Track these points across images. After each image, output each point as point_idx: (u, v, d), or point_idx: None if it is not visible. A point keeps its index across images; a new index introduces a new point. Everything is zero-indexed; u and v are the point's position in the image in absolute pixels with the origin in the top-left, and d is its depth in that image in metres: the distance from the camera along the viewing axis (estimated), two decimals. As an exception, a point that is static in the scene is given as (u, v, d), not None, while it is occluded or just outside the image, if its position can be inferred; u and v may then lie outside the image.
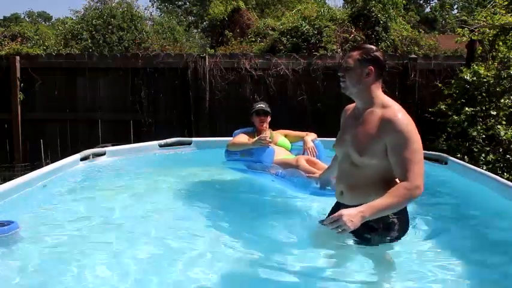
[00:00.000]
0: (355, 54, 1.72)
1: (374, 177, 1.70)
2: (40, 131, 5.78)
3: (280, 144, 3.42)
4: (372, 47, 1.76)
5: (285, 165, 3.12)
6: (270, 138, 3.20)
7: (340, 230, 1.49)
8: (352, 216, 1.50)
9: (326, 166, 2.73)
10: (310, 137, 3.39)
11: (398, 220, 1.71)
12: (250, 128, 3.59)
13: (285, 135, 3.56)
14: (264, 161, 3.23)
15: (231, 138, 5.03)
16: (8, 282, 2.07)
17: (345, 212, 1.50)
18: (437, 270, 2.15)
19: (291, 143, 3.52)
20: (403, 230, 1.76)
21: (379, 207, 1.54)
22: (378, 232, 1.69)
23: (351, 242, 1.87)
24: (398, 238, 1.76)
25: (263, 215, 2.79)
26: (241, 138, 3.47)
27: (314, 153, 3.25)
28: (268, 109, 3.50)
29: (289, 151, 3.44)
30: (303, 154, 3.27)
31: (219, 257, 2.35)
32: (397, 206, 1.59)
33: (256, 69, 5.58)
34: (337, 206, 1.85)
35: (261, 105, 3.54)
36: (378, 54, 1.71)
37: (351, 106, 1.88)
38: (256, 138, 3.23)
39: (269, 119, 3.51)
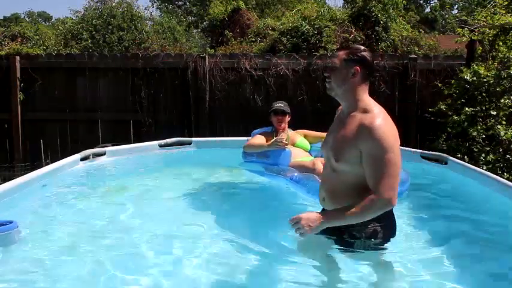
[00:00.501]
0: (342, 54, 1.65)
1: (352, 184, 1.61)
2: (40, 131, 5.78)
3: (299, 145, 3.32)
4: (360, 47, 1.68)
5: (301, 168, 3.03)
6: (286, 140, 3.11)
7: (298, 233, 1.50)
8: (311, 221, 1.48)
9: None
10: None
11: (383, 228, 1.64)
12: (269, 128, 3.47)
13: (304, 136, 3.45)
14: (280, 164, 3.14)
15: (232, 139, 5.05)
16: (7, 282, 2.07)
17: (304, 216, 1.50)
18: (437, 269, 2.15)
19: (310, 143, 3.40)
20: (388, 236, 1.68)
21: (340, 217, 1.51)
22: (360, 239, 1.64)
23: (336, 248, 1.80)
24: (382, 244, 1.68)
25: (267, 219, 2.76)
26: (258, 139, 3.37)
27: None
28: (287, 108, 3.39)
29: (308, 152, 3.33)
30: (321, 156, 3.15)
31: (219, 258, 2.34)
32: (361, 217, 1.53)
33: (256, 69, 5.59)
34: (322, 212, 1.77)
35: (279, 104, 3.43)
36: (365, 54, 1.63)
37: (341, 107, 1.83)
38: (273, 140, 3.15)
39: (288, 118, 3.40)
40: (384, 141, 1.48)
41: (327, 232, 1.66)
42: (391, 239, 1.70)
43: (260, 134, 3.44)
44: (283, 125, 3.36)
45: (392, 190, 1.48)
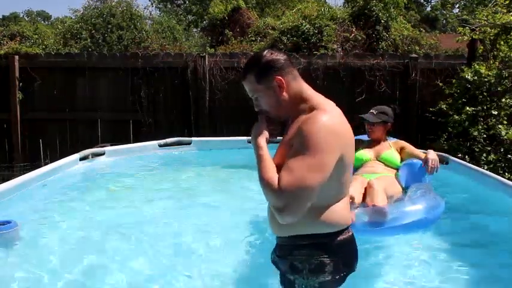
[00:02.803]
0: (251, 76, 1.30)
1: None
2: (39, 130, 5.76)
3: (384, 158, 2.85)
4: (255, 56, 1.34)
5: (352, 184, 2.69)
6: None
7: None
8: (251, 137, 1.29)
9: (376, 194, 2.39)
10: (432, 155, 2.73)
11: (333, 261, 1.28)
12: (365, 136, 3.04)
13: (400, 149, 2.94)
14: None
15: (231, 138, 5.02)
16: (6, 281, 2.06)
17: (255, 125, 1.31)
18: (438, 268, 2.14)
19: (405, 159, 2.87)
20: (341, 272, 1.30)
21: (257, 159, 1.24)
22: (302, 274, 1.28)
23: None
24: (333, 284, 1.30)
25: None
26: None
27: (434, 169, 2.64)
28: (379, 117, 2.91)
29: (395, 168, 2.83)
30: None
31: (218, 258, 2.34)
32: (259, 180, 1.21)
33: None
34: None
35: (372, 110, 2.99)
36: (267, 57, 1.29)
37: None
38: None
39: (382, 128, 2.92)
40: (314, 139, 1.16)
41: (274, 259, 1.41)
42: (347, 275, 1.33)
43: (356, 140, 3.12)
44: (375, 135, 2.93)
45: (293, 198, 1.14)
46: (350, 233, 1.33)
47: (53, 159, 4.22)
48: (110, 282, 2.09)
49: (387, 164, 2.83)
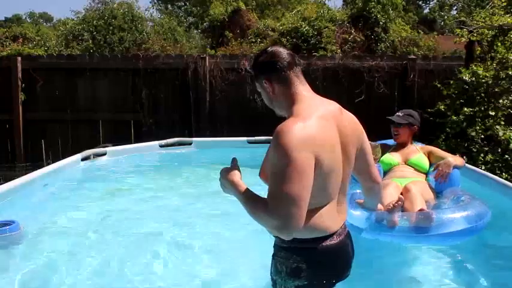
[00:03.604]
0: (254, 71, 1.37)
1: None
2: (41, 131, 5.80)
3: (413, 162, 2.78)
4: (260, 52, 1.38)
5: (383, 189, 2.56)
6: (374, 154, 2.53)
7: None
8: (222, 182, 1.29)
9: (416, 198, 2.32)
10: (456, 160, 2.68)
11: (310, 267, 1.26)
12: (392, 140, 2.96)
13: (429, 153, 2.87)
14: None
15: (232, 139, 5.05)
16: (9, 281, 2.09)
17: (222, 171, 1.30)
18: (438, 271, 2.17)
19: (432, 163, 2.80)
20: (319, 278, 1.28)
21: (240, 199, 1.23)
22: (281, 275, 1.29)
23: None
24: (309, 286, 1.28)
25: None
26: None
27: (442, 179, 2.58)
28: (405, 119, 2.86)
29: (425, 173, 2.76)
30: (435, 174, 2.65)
31: (217, 258, 2.37)
32: (253, 217, 1.20)
33: (256, 69, 5.61)
34: None
35: (398, 113, 2.93)
36: (262, 58, 1.32)
37: None
38: None
39: (408, 131, 2.86)
40: (287, 150, 1.13)
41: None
42: (335, 282, 1.31)
43: (380, 144, 2.92)
44: (400, 138, 2.87)
45: (285, 212, 1.12)
46: (335, 241, 1.29)
47: (55, 160, 4.26)
48: (112, 281, 2.12)
49: (416, 168, 2.75)
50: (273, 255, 1.35)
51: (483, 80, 4.55)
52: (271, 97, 1.33)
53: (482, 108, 4.54)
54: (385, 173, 2.77)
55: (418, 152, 2.85)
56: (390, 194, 2.39)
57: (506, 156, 4.31)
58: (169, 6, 17.06)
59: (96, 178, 3.91)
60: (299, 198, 1.13)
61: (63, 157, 4.16)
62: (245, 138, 4.81)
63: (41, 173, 3.45)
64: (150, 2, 16.14)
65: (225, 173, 1.29)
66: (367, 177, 1.48)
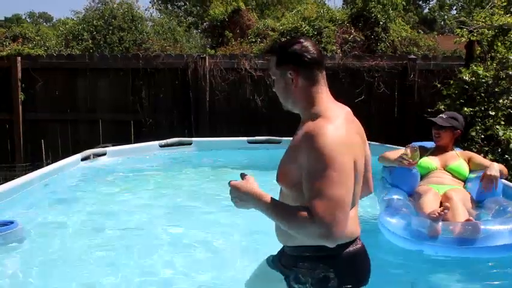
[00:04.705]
0: (274, 56, 1.27)
1: None
2: (41, 131, 5.80)
3: (452, 168, 2.65)
4: (291, 40, 1.29)
5: (416, 195, 2.49)
6: (412, 158, 2.50)
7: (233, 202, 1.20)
8: (238, 197, 1.18)
9: (459, 207, 2.23)
10: (503, 168, 2.57)
11: (338, 276, 1.21)
12: (431, 143, 2.85)
13: (469, 159, 2.72)
14: (400, 186, 2.56)
15: (232, 139, 5.04)
16: (9, 281, 2.09)
17: (235, 185, 1.18)
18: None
19: (471, 170, 2.66)
20: (344, 286, 1.23)
21: (270, 211, 1.14)
22: (306, 286, 1.23)
23: None
24: None
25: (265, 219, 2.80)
26: (396, 152, 2.73)
27: (490, 187, 2.44)
28: (449, 122, 2.69)
29: (463, 180, 2.62)
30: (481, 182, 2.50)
31: (215, 258, 2.37)
32: (288, 229, 1.15)
33: (256, 69, 5.61)
34: None
35: (442, 115, 2.80)
36: (297, 47, 1.23)
37: None
38: (399, 155, 2.57)
39: (451, 135, 2.71)
40: (329, 153, 1.09)
41: (280, 266, 1.34)
42: None
43: (419, 146, 2.75)
44: (441, 142, 2.73)
45: (333, 217, 1.07)
46: (359, 245, 1.26)
47: (55, 160, 4.26)
48: (112, 282, 2.12)
49: (455, 175, 2.62)
50: (289, 266, 1.27)
51: (483, 80, 4.55)
52: (292, 90, 1.24)
53: (483, 108, 4.54)
54: (421, 178, 2.64)
55: (458, 158, 2.69)
56: (430, 201, 2.27)
57: (507, 156, 4.30)
58: (169, 6, 17.06)
59: (96, 178, 3.91)
60: (344, 203, 1.09)
61: (63, 157, 4.16)
62: (245, 138, 4.81)
63: (41, 173, 3.45)
64: (150, 2, 16.13)
65: (240, 187, 1.18)
66: (366, 183, 1.39)
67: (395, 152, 2.70)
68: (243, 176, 1.23)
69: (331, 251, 1.19)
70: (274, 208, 1.15)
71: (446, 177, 2.60)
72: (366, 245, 1.30)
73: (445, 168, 2.65)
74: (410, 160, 2.50)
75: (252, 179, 1.20)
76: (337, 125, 1.17)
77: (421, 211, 2.27)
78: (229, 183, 1.19)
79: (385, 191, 2.57)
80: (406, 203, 2.40)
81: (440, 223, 2.03)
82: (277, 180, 1.24)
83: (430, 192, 2.39)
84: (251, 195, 1.17)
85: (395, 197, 2.38)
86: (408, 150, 2.56)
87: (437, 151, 2.75)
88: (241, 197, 1.19)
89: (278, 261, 1.36)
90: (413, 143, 2.84)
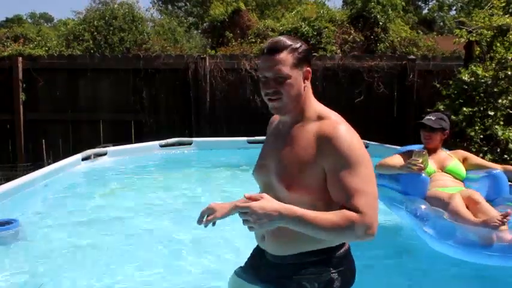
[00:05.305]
0: (287, 56, 1.15)
1: None
2: (42, 131, 5.83)
3: (450, 170, 2.60)
4: (296, 38, 1.23)
5: (435, 200, 2.39)
6: (423, 163, 2.42)
7: (246, 225, 1.09)
8: (265, 216, 1.06)
9: (491, 208, 2.19)
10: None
11: (340, 275, 1.21)
12: (421, 145, 2.75)
13: (463, 159, 2.68)
14: (411, 193, 2.48)
15: (232, 139, 5.06)
16: (9, 279, 2.11)
17: (256, 205, 1.06)
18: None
19: (467, 170, 2.63)
20: (347, 284, 1.24)
21: (305, 221, 1.07)
22: None
23: None
24: None
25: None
26: (395, 158, 2.65)
27: None
28: (439, 123, 2.62)
29: (462, 181, 2.59)
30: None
31: (214, 258, 2.38)
32: (327, 236, 1.11)
33: (256, 69, 5.63)
34: (259, 253, 1.33)
35: (430, 117, 2.68)
36: (306, 46, 1.20)
37: (276, 117, 1.34)
38: (407, 161, 2.48)
39: (441, 136, 2.64)
40: (354, 152, 1.11)
41: (266, 280, 1.26)
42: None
43: (406, 151, 2.72)
44: (432, 144, 2.64)
45: (375, 212, 1.09)
46: (348, 242, 1.25)
47: (56, 160, 4.29)
48: (112, 280, 2.13)
49: (454, 175, 2.57)
50: (288, 276, 1.20)
51: (482, 80, 4.57)
52: (303, 91, 1.18)
53: (482, 108, 4.55)
54: None
55: (452, 159, 2.65)
56: (463, 206, 2.17)
57: (505, 156, 4.32)
58: (169, 6, 17.10)
59: (97, 178, 3.93)
60: (377, 198, 1.12)
61: (64, 157, 4.18)
62: (245, 138, 4.83)
63: (42, 173, 3.47)
64: (151, 3, 16.19)
65: (265, 206, 1.07)
66: None
67: (395, 159, 2.63)
68: (251, 196, 1.10)
69: (333, 252, 1.19)
70: (311, 218, 1.08)
71: (447, 179, 2.56)
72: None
73: (444, 170, 2.61)
74: (422, 166, 2.42)
75: (267, 195, 1.10)
76: (348, 125, 1.16)
77: (461, 218, 2.16)
78: (247, 208, 1.06)
79: (405, 201, 2.47)
80: (438, 210, 2.29)
81: (494, 231, 1.94)
82: (289, 189, 1.15)
83: (456, 196, 2.29)
84: (281, 211, 1.07)
85: (423, 206, 2.28)
86: (418, 156, 2.46)
87: (429, 154, 2.66)
88: (270, 216, 1.07)
89: (265, 275, 1.27)
90: (405, 147, 2.83)
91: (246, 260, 1.39)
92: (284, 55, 1.15)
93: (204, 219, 1.42)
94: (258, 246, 1.33)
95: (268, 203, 1.08)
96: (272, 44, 1.17)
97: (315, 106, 1.21)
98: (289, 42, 1.18)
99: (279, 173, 1.18)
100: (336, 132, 1.12)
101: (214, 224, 1.42)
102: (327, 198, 1.13)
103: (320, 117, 1.18)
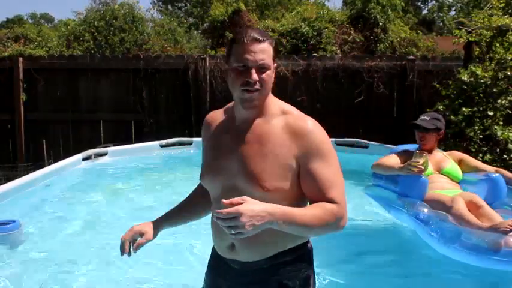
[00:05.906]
0: (269, 47, 1.11)
1: None
2: (43, 131, 5.84)
3: (447, 172, 2.54)
4: (264, 31, 1.18)
5: (436, 203, 2.34)
6: (423, 165, 2.35)
7: (233, 232, 0.98)
8: (256, 218, 0.98)
9: (494, 212, 2.17)
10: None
11: (313, 269, 1.21)
12: (416, 145, 2.67)
13: (459, 161, 2.63)
14: (410, 195, 2.42)
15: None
16: (10, 279, 2.12)
17: (246, 209, 0.97)
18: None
19: (463, 172, 2.58)
20: (314, 282, 1.23)
21: (294, 218, 1.04)
22: None
23: None
24: None
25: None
26: (392, 158, 2.58)
27: None
28: (434, 124, 2.55)
29: (458, 183, 2.55)
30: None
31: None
32: (311, 231, 1.09)
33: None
34: (219, 264, 1.26)
35: (424, 117, 2.61)
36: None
37: (217, 115, 1.29)
38: (407, 163, 2.40)
39: (436, 136, 2.58)
40: (326, 145, 1.12)
41: (245, 284, 1.19)
42: None
43: (402, 151, 2.66)
44: (427, 145, 2.56)
45: (345, 202, 1.10)
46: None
47: (56, 160, 4.30)
48: (112, 281, 2.14)
49: (451, 178, 2.51)
50: (265, 280, 1.16)
51: (482, 81, 4.57)
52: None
53: (481, 109, 4.56)
54: None
55: (448, 160, 2.58)
56: (466, 210, 2.14)
57: (505, 156, 4.33)
58: (170, 7, 17.12)
59: (97, 178, 3.94)
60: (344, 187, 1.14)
61: (65, 157, 4.19)
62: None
63: (43, 173, 3.48)
64: (151, 3, 16.21)
65: (253, 208, 1.00)
66: None
67: (392, 159, 2.56)
68: (232, 201, 1.00)
69: (305, 248, 1.19)
70: (297, 215, 1.05)
71: (445, 181, 2.50)
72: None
73: (441, 172, 2.54)
74: (422, 167, 2.36)
75: (249, 198, 1.02)
76: (311, 118, 1.17)
77: (466, 222, 2.13)
78: (236, 212, 0.98)
79: (405, 203, 2.42)
80: (441, 213, 2.24)
81: (504, 236, 1.90)
82: (264, 189, 1.08)
83: (457, 200, 2.24)
84: (269, 210, 1.02)
85: (425, 210, 2.24)
86: (418, 157, 2.38)
87: (415, 156, 2.54)
88: (261, 217, 1.00)
89: (234, 285, 1.21)
90: (400, 146, 2.77)
91: (205, 279, 1.33)
92: (267, 45, 1.11)
93: (134, 246, 1.29)
94: (214, 261, 1.29)
95: (255, 204, 1.01)
96: (256, 32, 1.11)
97: (276, 101, 1.18)
98: (260, 30, 1.16)
99: (248, 172, 1.10)
100: (308, 127, 1.12)
101: (136, 251, 1.29)
102: (299, 194, 1.12)
103: (284, 112, 1.16)
